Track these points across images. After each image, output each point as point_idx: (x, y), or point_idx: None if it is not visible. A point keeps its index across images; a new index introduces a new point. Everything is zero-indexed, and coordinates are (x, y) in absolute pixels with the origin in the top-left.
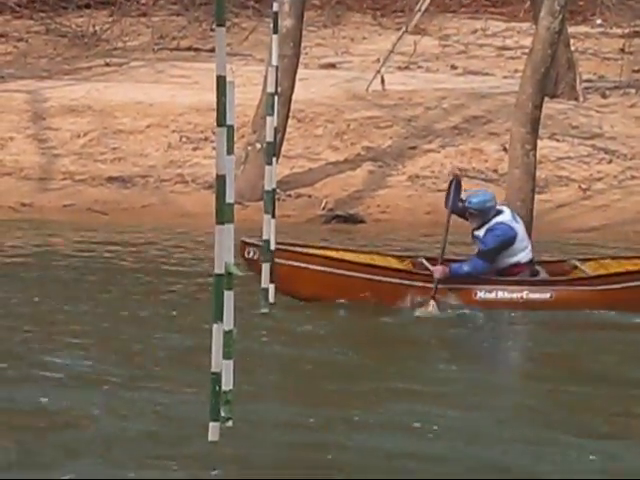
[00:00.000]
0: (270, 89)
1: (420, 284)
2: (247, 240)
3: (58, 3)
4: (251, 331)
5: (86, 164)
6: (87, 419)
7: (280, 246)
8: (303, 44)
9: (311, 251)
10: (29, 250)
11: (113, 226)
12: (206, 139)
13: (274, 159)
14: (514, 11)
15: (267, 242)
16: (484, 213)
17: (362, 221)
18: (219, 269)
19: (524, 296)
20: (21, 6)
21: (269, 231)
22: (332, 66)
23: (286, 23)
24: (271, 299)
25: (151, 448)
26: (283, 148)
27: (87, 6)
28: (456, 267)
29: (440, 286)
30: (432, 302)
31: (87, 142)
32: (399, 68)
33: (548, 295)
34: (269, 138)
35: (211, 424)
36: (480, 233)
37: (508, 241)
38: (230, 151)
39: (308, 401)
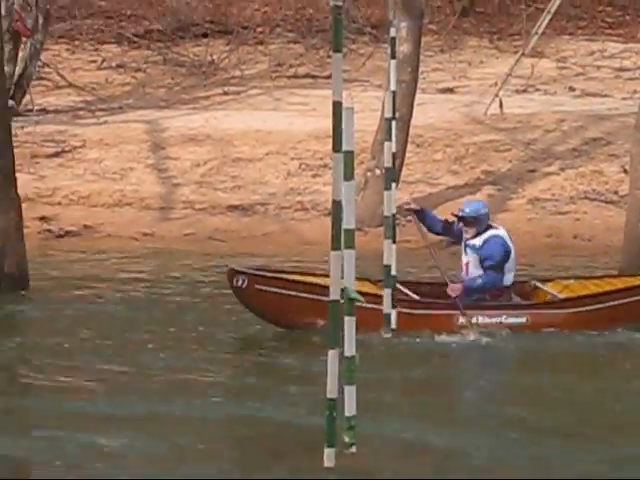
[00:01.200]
0: (388, 114)
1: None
2: (236, 268)
3: (175, 33)
4: (374, 356)
5: (206, 193)
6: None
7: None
8: (421, 69)
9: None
10: (154, 278)
11: (234, 254)
12: (325, 166)
13: (393, 184)
14: (632, 32)
15: (388, 267)
16: (479, 220)
17: None
18: (335, 295)
19: (502, 320)
20: (138, 36)
21: (390, 257)
22: (450, 90)
23: (403, 48)
24: (393, 325)
25: (270, 473)
26: (402, 173)
27: (204, 35)
28: (469, 281)
29: (419, 312)
30: (465, 320)
31: (207, 171)
32: (517, 91)
33: (524, 319)
34: (387, 163)
35: (327, 450)
36: (475, 242)
37: (506, 254)
38: (350, 177)
39: (433, 425)
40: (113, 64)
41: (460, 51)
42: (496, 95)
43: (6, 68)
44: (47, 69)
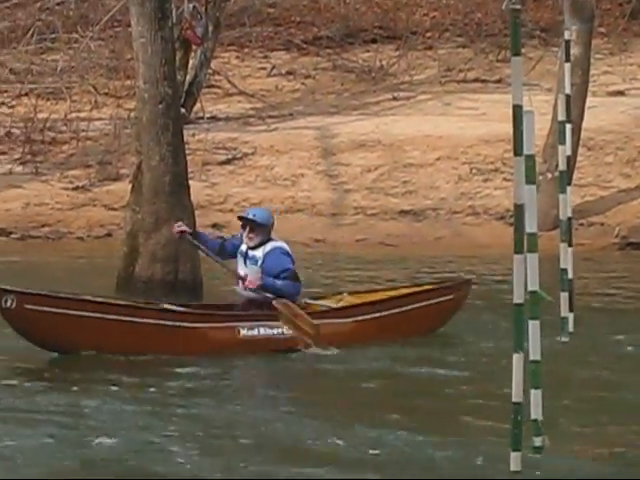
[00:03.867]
0: (561, 117)
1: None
2: (3, 287)
3: (344, 39)
4: (553, 360)
5: (377, 198)
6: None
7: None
8: (591, 72)
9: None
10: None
11: (405, 259)
12: (496, 170)
13: (568, 188)
14: None
15: (565, 271)
16: (266, 228)
17: None
18: (519, 299)
19: (284, 331)
20: (307, 43)
21: (566, 260)
22: (620, 93)
23: (574, 51)
24: (570, 328)
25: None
26: (574, 177)
27: (373, 41)
28: (269, 280)
29: (201, 325)
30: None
31: (377, 176)
32: None
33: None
34: (562, 167)
35: (513, 454)
36: (257, 254)
37: (294, 264)
38: (532, 180)
39: (619, 433)
40: (283, 71)
41: (630, 54)
42: None
43: (177, 76)
44: (217, 77)
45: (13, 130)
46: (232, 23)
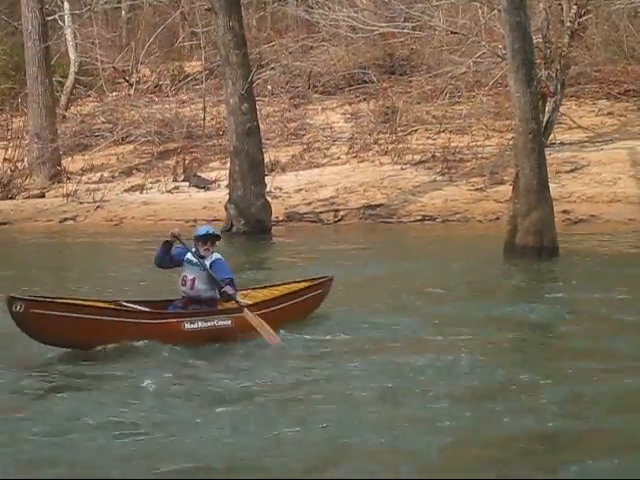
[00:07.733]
0: None
1: (133, 320)
2: (14, 295)
3: None
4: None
5: None
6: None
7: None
8: None
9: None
10: None
11: None
12: None
13: None
14: None
15: None
16: (217, 240)
17: None
18: None
19: (215, 324)
20: None
21: None
22: None
23: None
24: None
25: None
26: None
27: None
28: (231, 286)
29: (151, 321)
30: (256, 318)
31: None
32: None
33: (229, 322)
34: None
35: None
36: (206, 261)
37: None
38: None
39: None
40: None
41: None
42: None
43: (539, 117)
44: (564, 117)
45: (436, 154)
46: (572, 83)
